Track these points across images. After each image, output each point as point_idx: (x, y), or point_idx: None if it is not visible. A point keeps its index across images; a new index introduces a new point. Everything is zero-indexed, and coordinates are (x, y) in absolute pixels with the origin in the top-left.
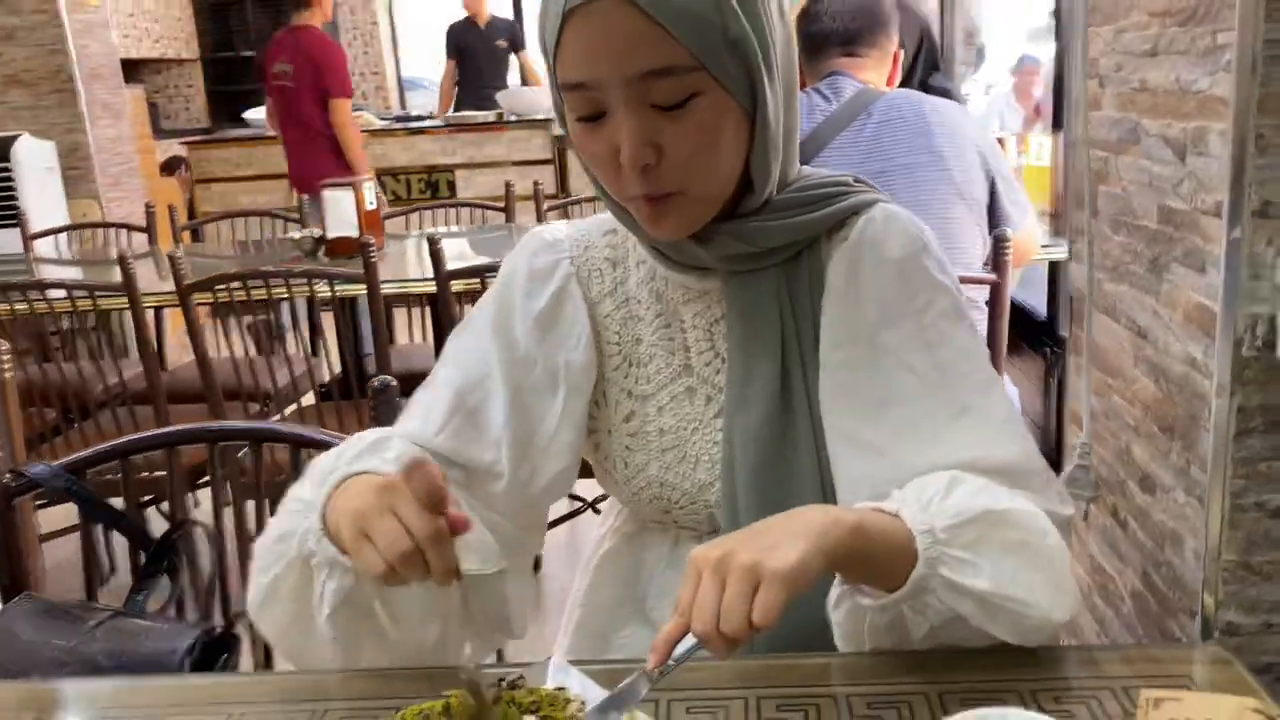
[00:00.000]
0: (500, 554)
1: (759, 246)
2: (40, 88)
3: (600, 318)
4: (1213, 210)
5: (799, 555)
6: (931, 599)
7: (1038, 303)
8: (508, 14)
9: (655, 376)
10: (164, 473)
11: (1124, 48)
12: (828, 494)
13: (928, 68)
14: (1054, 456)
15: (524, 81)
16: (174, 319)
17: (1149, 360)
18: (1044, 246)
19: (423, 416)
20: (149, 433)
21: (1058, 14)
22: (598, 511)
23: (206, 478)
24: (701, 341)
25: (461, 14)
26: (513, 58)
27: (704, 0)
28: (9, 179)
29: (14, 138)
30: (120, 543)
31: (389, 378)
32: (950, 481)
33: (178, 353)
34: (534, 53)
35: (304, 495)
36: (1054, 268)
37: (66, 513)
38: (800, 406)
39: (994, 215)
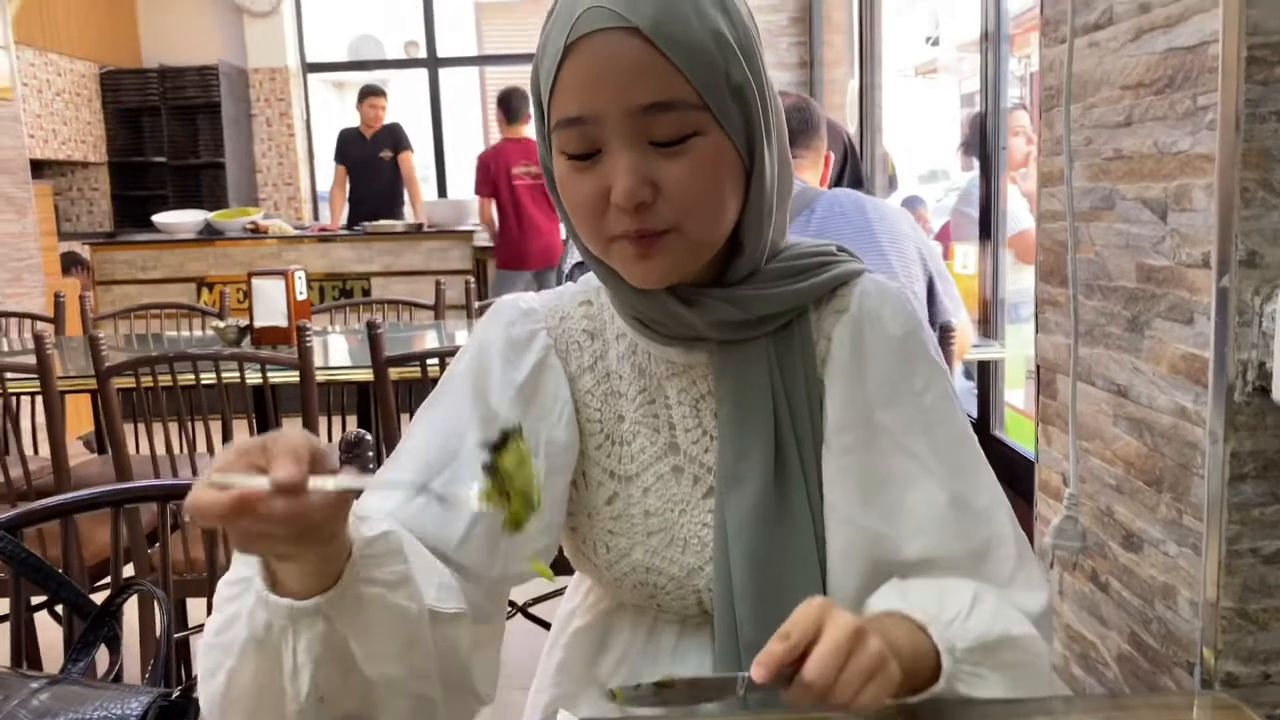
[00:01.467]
0: (460, 597)
1: (751, 313)
2: None
3: (580, 393)
4: (1199, 263)
5: (897, 671)
6: (941, 703)
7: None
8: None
9: (639, 456)
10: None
11: (1094, 122)
12: (824, 574)
13: (853, 181)
14: None
15: (399, 184)
16: (75, 413)
17: (1131, 417)
18: (974, 346)
19: (384, 493)
20: (96, 489)
21: (982, 134)
22: (529, 617)
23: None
24: (688, 419)
25: (354, 121)
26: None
27: (709, 41)
28: None
29: None
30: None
31: (363, 431)
32: (974, 600)
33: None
34: (420, 153)
35: (238, 574)
36: (984, 369)
37: None
38: (795, 483)
39: (933, 309)
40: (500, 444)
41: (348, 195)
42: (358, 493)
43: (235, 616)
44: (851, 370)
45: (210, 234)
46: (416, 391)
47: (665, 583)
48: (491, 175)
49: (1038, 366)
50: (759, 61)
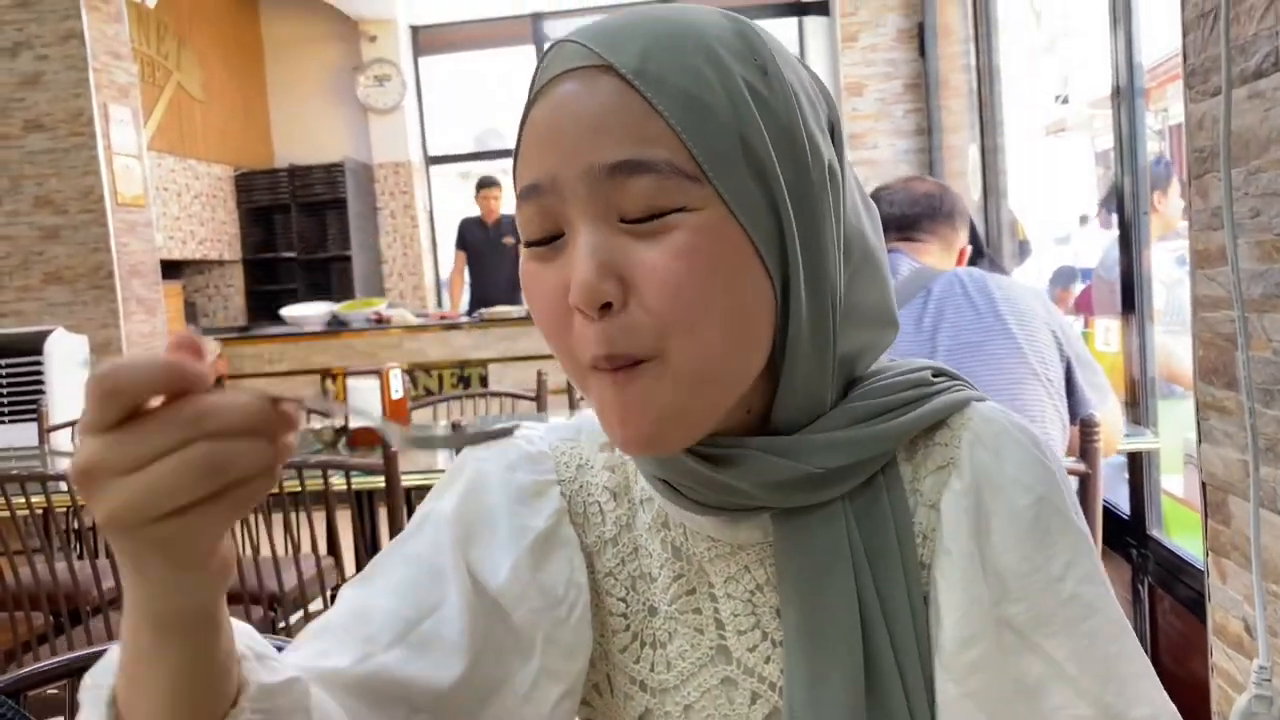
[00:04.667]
0: None
1: (814, 466)
2: (79, 284)
3: (600, 576)
4: None
5: None
6: None
7: (1114, 498)
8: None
9: (677, 663)
10: None
11: (1262, 189)
12: None
13: (974, 254)
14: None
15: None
16: None
17: None
18: (1124, 436)
19: (338, 636)
20: (102, 646)
21: (1120, 190)
22: None
23: None
24: (740, 617)
25: (474, 210)
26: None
27: (718, 92)
28: (39, 372)
29: (48, 332)
30: None
31: None
32: None
33: None
34: None
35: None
36: (1135, 460)
37: None
38: (897, 713)
39: (1072, 400)
40: None
41: (470, 282)
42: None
43: None
44: (971, 560)
45: (336, 325)
46: None
47: None
48: None
49: (1204, 484)
50: (813, 139)
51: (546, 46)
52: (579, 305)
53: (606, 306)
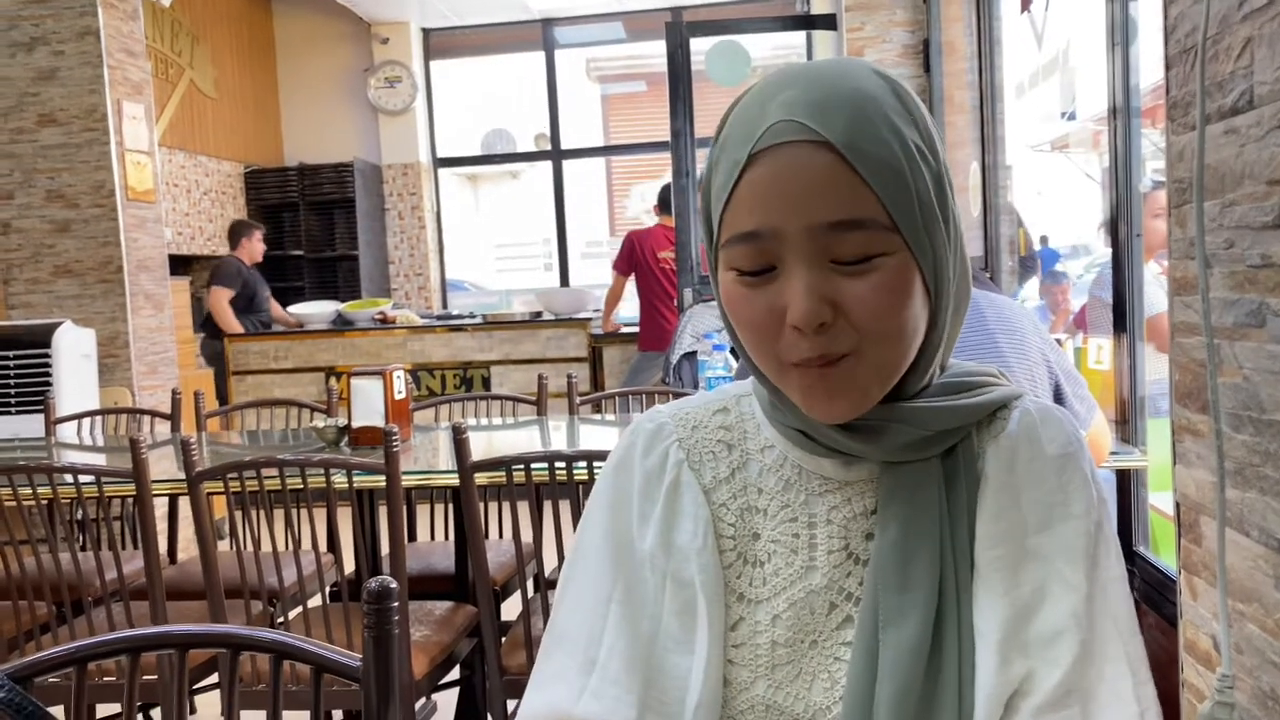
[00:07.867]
0: None
1: (929, 428)
2: (88, 277)
3: (715, 506)
4: None
5: None
6: None
7: None
8: None
9: (772, 579)
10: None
11: (1236, 222)
12: (964, 715)
13: None
14: None
15: None
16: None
17: None
18: (1112, 454)
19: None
20: (106, 636)
21: (1115, 211)
22: None
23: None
24: (834, 539)
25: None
26: None
27: (899, 157)
28: (47, 365)
29: (56, 325)
30: None
31: (389, 579)
32: None
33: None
34: (546, 241)
35: None
36: (1123, 477)
37: None
38: (952, 618)
39: None
40: None
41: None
42: None
43: None
44: (1003, 489)
45: (341, 324)
46: (505, 495)
47: None
48: (636, 255)
49: (1177, 504)
50: (943, 171)
51: (764, 123)
52: (800, 326)
53: (821, 326)
